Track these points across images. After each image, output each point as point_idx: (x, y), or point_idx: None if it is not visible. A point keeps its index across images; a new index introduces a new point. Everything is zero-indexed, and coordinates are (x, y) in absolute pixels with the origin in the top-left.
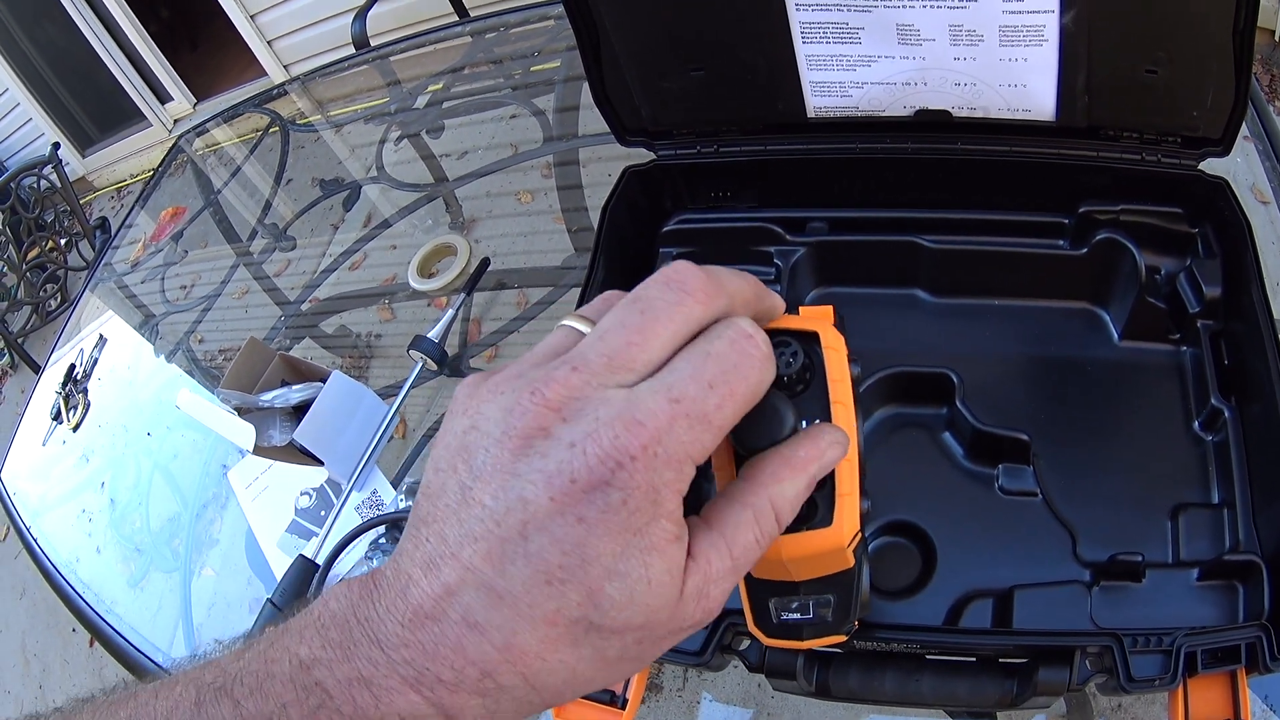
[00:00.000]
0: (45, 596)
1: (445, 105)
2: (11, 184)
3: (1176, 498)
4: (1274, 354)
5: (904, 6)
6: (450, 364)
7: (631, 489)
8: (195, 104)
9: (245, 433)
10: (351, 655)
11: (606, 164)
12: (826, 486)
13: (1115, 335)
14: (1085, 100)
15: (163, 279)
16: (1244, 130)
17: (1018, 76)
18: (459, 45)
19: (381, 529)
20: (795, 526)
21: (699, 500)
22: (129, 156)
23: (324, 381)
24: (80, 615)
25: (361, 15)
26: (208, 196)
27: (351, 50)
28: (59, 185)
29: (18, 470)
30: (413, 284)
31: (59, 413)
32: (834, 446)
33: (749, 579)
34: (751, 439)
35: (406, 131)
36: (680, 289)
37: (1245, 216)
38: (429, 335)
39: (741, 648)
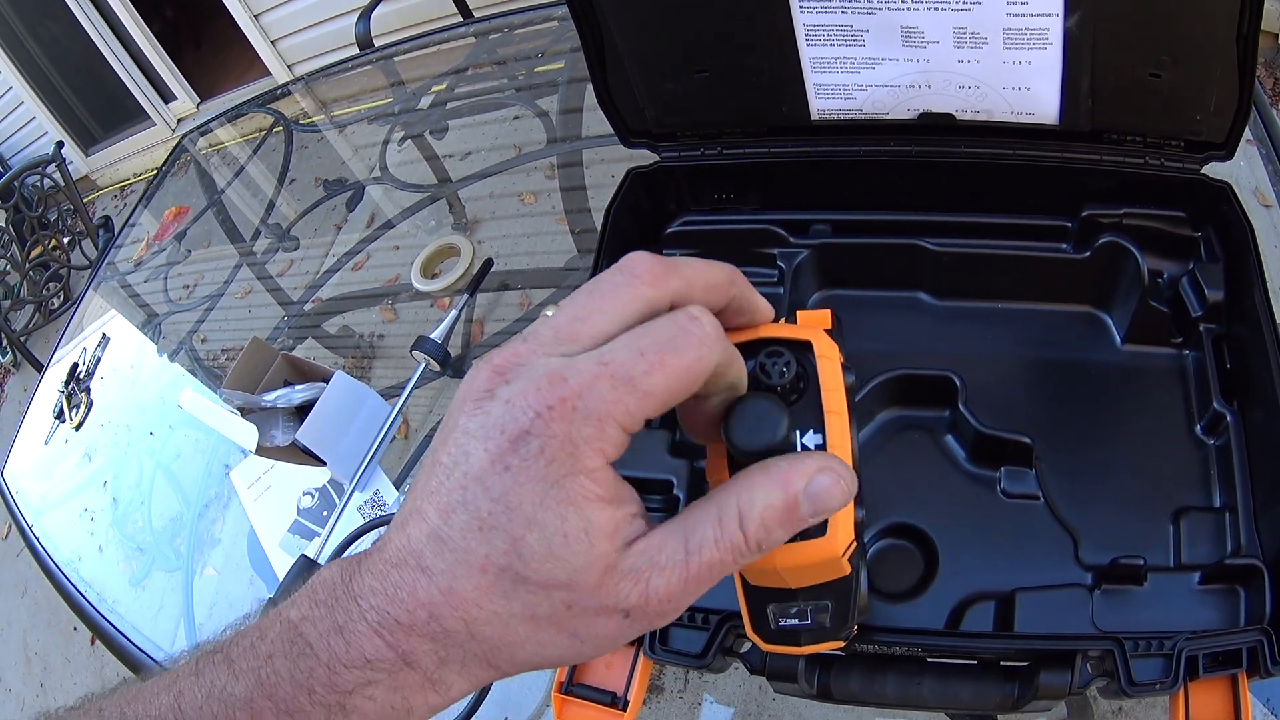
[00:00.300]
0: (47, 595)
1: (449, 106)
2: (15, 182)
3: (1178, 501)
4: (1276, 358)
5: (908, 9)
6: (453, 365)
7: (548, 438)
8: (199, 103)
9: (248, 433)
10: (333, 610)
11: (610, 166)
12: None
13: (1118, 339)
14: (1089, 103)
15: (165, 278)
16: (1247, 134)
17: (1021, 79)
18: (463, 46)
19: (384, 529)
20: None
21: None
22: (132, 156)
23: (326, 382)
24: (82, 614)
25: (365, 15)
26: (211, 196)
27: (355, 50)
28: (62, 184)
29: (20, 469)
30: (416, 284)
31: (61, 411)
32: (825, 473)
33: (747, 585)
34: (743, 442)
35: (410, 132)
36: (630, 273)
37: (1248, 220)
38: (432, 336)
39: (743, 650)
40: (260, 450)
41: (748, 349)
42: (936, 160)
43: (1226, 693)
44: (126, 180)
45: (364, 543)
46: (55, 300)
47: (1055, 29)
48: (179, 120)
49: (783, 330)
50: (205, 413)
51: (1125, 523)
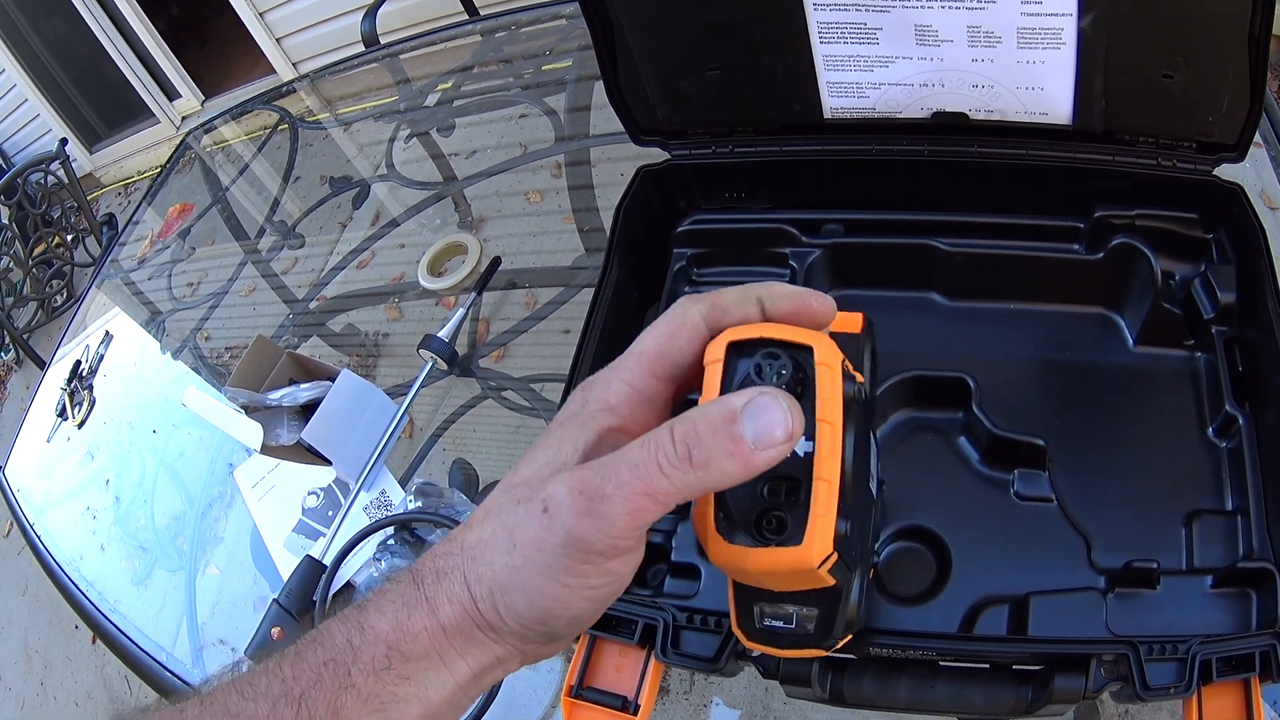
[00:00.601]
0: (48, 593)
1: (455, 104)
2: (19, 180)
3: (1191, 504)
4: None
5: (923, 7)
6: (460, 363)
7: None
8: (203, 101)
9: (253, 431)
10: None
11: (617, 164)
12: (801, 504)
13: (1130, 341)
14: (1102, 104)
15: (169, 276)
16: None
17: (1035, 79)
18: (469, 44)
19: (390, 530)
20: (765, 540)
21: None
22: (136, 153)
23: (332, 380)
24: (83, 613)
25: (371, 13)
26: (215, 194)
27: (360, 48)
28: (66, 181)
29: (22, 467)
30: (422, 283)
31: (64, 409)
32: (767, 395)
33: (737, 582)
34: None
35: (416, 130)
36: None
37: (1260, 223)
38: (439, 335)
39: (755, 655)
40: (265, 449)
41: (748, 347)
42: (949, 160)
43: (1239, 697)
44: (130, 178)
45: (369, 544)
46: (58, 298)
47: (1069, 29)
48: (183, 118)
49: (785, 332)
50: (209, 411)
51: (1138, 525)
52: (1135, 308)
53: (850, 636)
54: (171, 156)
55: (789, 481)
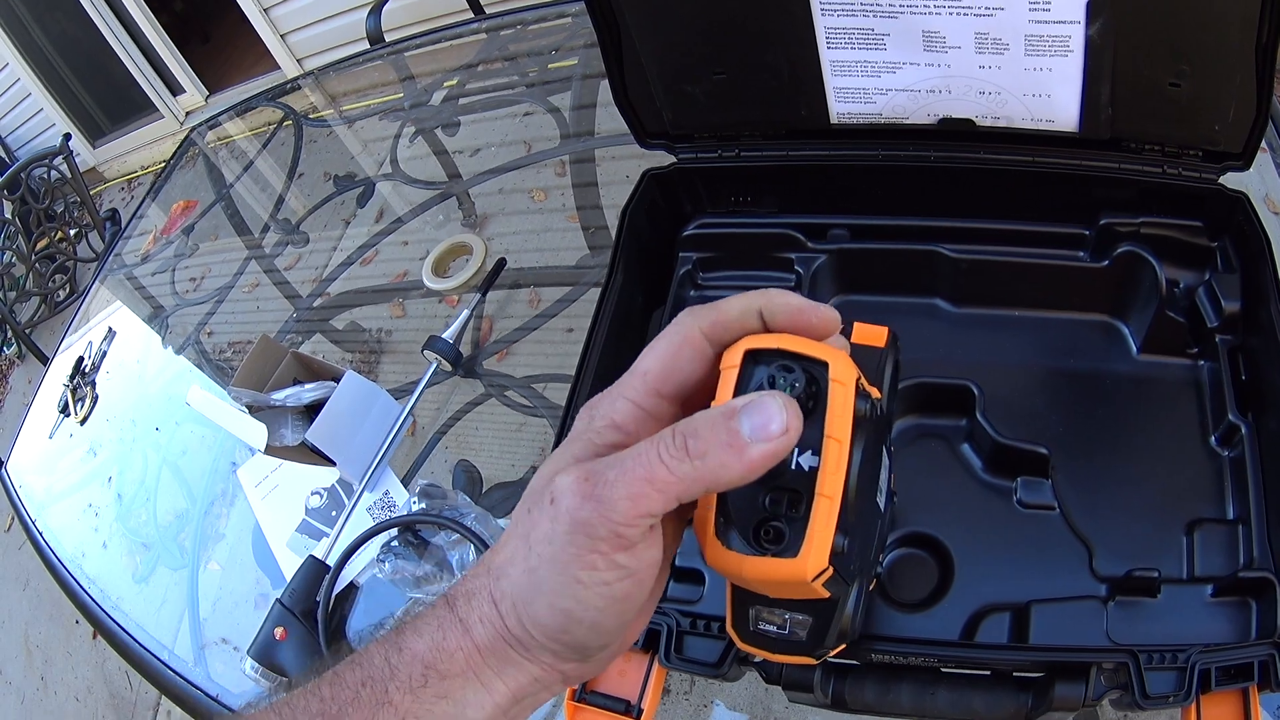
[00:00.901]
0: (48, 588)
1: (460, 102)
2: (22, 174)
3: (1192, 513)
4: None
5: (930, 13)
6: (464, 365)
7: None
8: (207, 96)
9: (257, 432)
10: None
11: (621, 162)
12: (801, 517)
13: (1134, 348)
14: (1108, 112)
15: (173, 272)
16: None
17: (1042, 86)
18: (474, 42)
19: (393, 531)
20: (762, 550)
21: None
22: (140, 148)
23: (336, 381)
24: (85, 610)
25: (376, 10)
26: (219, 190)
27: (365, 45)
28: (69, 176)
29: (24, 462)
30: (428, 283)
31: (66, 405)
32: (768, 396)
33: (735, 585)
34: None
35: (421, 127)
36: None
37: (1265, 232)
38: (444, 336)
39: (757, 660)
40: (269, 450)
41: (765, 356)
42: (955, 166)
43: (1237, 705)
44: (134, 173)
45: (373, 545)
46: (61, 292)
47: (1077, 36)
48: (187, 113)
49: (803, 345)
50: (214, 411)
51: (1139, 533)
52: (1139, 315)
53: (843, 646)
54: (175, 152)
55: (791, 493)
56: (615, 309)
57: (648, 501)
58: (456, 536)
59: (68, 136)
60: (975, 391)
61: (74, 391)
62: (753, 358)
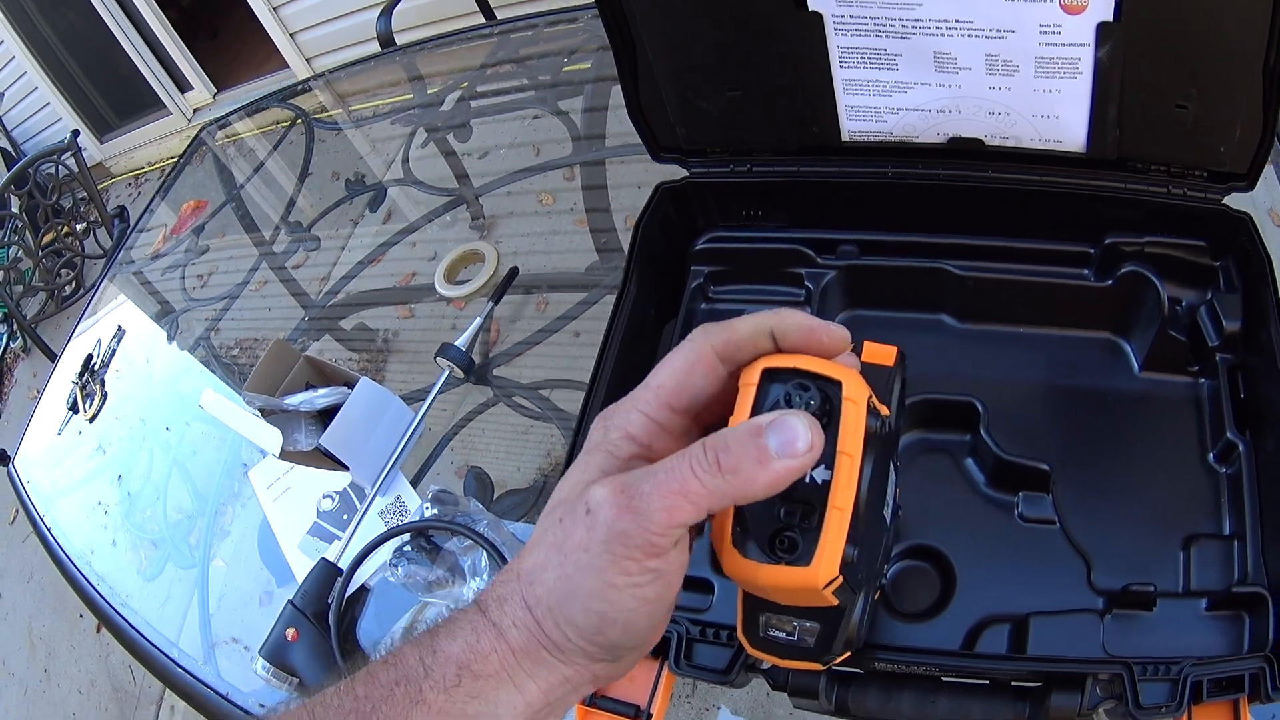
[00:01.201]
0: (53, 580)
1: (472, 105)
2: (29, 169)
3: (1189, 528)
4: None
5: (942, 35)
6: (476, 372)
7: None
8: (215, 94)
9: (272, 437)
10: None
11: (630, 166)
12: (814, 528)
13: (1136, 366)
14: (1115, 133)
15: (183, 272)
16: None
17: (1051, 108)
18: (484, 45)
19: (406, 536)
20: (776, 558)
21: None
22: (147, 144)
23: (348, 385)
24: (93, 606)
25: (387, 12)
26: (229, 191)
27: (375, 45)
28: (76, 171)
29: (32, 458)
30: (440, 290)
31: (75, 403)
32: (794, 415)
33: (747, 592)
34: None
35: (431, 130)
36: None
37: (1267, 253)
38: (456, 344)
39: (765, 667)
40: (284, 454)
41: (782, 375)
42: (964, 184)
43: (1228, 716)
44: (141, 168)
45: (385, 549)
46: (67, 288)
47: (1086, 59)
48: (195, 110)
49: (818, 365)
50: (227, 414)
51: (1137, 548)
52: (1142, 334)
53: (849, 653)
54: (185, 151)
55: (805, 505)
56: (628, 321)
57: (681, 513)
58: (469, 542)
59: (76, 133)
60: (979, 408)
61: (83, 389)
62: (770, 376)
